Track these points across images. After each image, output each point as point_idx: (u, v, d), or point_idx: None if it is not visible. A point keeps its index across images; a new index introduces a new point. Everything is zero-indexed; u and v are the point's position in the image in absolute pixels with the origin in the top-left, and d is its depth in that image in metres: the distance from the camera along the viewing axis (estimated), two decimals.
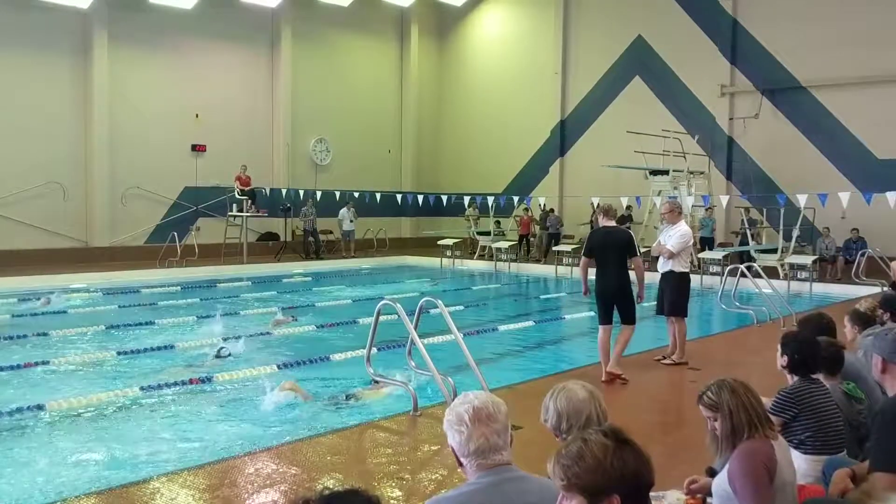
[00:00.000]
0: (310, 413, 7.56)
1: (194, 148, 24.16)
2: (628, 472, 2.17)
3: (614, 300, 8.42)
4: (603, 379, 8.13)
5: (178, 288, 17.23)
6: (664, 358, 9.28)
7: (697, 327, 12.01)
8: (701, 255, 19.28)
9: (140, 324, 12.35)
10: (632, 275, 8.64)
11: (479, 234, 25.36)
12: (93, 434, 6.93)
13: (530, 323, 13.74)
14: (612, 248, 8.38)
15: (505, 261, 22.79)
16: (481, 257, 24.34)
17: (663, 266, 9.31)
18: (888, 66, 20.83)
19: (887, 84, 20.98)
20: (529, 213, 25.01)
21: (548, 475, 2.32)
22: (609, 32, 26.47)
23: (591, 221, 24.63)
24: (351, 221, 24.65)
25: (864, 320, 5.06)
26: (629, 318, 8.52)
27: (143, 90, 23.03)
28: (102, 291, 16.40)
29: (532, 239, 25.10)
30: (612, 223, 8.60)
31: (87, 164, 22.23)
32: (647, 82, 25.57)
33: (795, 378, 4.43)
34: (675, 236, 9.12)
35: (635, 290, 8.56)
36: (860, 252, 18.73)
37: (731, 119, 24.00)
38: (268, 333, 11.88)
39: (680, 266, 9.18)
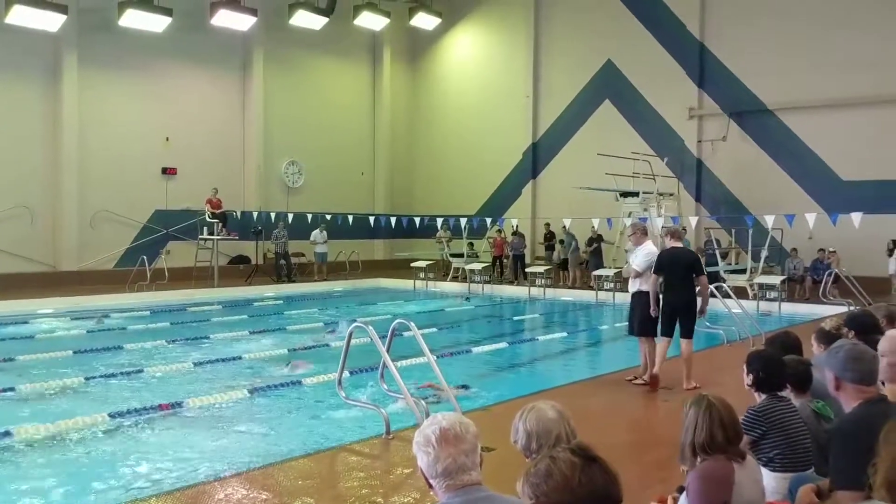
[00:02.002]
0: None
1: (165, 171, 24.00)
2: (597, 490, 2.17)
3: (679, 314, 8.99)
4: (645, 378, 9.07)
5: (148, 312, 17.04)
6: (636, 378, 9.32)
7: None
8: None
9: (108, 348, 12.19)
10: None
11: (453, 255, 25.39)
12: (60, 461, 6.82)
13: (504, 344, 13.74)
14: (680, 267, 8.95)
15: (478, 282, 22.82)
16: (455, 279, 24.35)
17: (632, 286, 9.40)
18: (852, 90, 21.29)
19: (851, 107, 21.45)
20: (502, 235, 25.12)
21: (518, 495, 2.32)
22: (579, 57, 26.82)
23: (544, 241, 25.06)
24: (324, 243, 24.58)
25: (829, 339, 5.13)
26: (688, 333, 9.04)
27: (113, 113, 22.88)
28: (70, 316, 16.17)
29: (506, 260, 25.21)
30: (679, 244, 9.30)
31: (56, 187, 21.98)
32: (617, 106, 25.90)
33: (762, 396, 4.48)
34: (639, 255, 9.26)
35: None
36: (827, 272, 19.00)
37: (699, 141, 24.36)
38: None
39: (647, 286, 9.24)
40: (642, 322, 9.24)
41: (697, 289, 9.16)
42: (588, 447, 2.27)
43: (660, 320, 9.14)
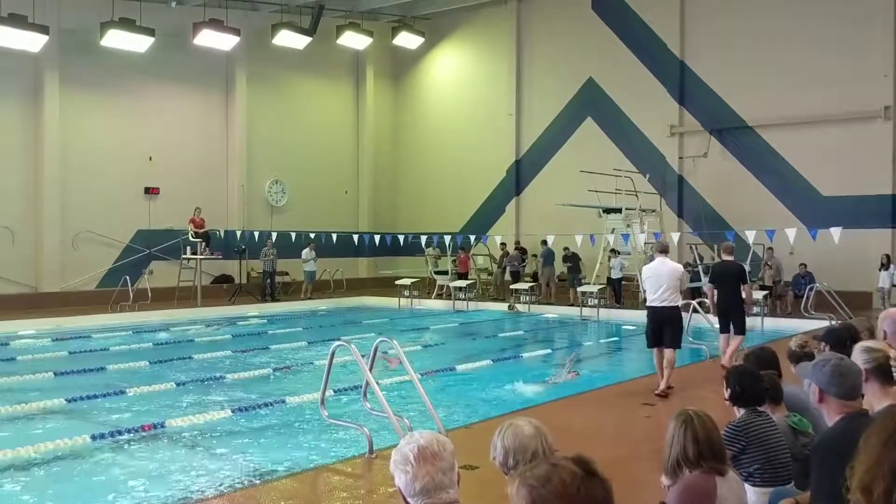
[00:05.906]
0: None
1: (147, 191, 23.91)
2: (595, 503, 2.15)
3: (729, 315, 10.77)
4: (724, 363, 10.24)
5: (131, 332, 16.92)
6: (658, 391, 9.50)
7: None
8: None
9: (90, 370, 12.09)
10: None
11: (437, 273, 25.39)
12: (41, 483, 6.76)
13: (487, 362, 13.72)
14: (729, 277, 10.77)
15: (463, 300, 22.81)
16: (439, 297, 24.34)
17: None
18: (830, 107, 21.57)
19: (829, 123, 21.74)
20: (465, 253, 25.31)
21: None
22: (561, 75, 27.02)
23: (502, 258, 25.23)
24: (314, 261, 24.54)
25: (797, 357, 5.25)
26: (740, 329, 10.83)
27: (95, 133, 22.79)
28: (52, 337, 16.02)
29: (489, 277, 25.30)
30: (731, 258, 11.06)
31: (37, 207, 21.83)
32: (599, 123, 26.09)
33: (741, 411, 4.52)
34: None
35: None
36: (808, 287, 19.13)
37: (680, 158, 24.55)
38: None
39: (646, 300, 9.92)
40: (648, 334, 9.80)
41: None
42: (590, 460, 2.25)
43: (717, 321, 11.13)
